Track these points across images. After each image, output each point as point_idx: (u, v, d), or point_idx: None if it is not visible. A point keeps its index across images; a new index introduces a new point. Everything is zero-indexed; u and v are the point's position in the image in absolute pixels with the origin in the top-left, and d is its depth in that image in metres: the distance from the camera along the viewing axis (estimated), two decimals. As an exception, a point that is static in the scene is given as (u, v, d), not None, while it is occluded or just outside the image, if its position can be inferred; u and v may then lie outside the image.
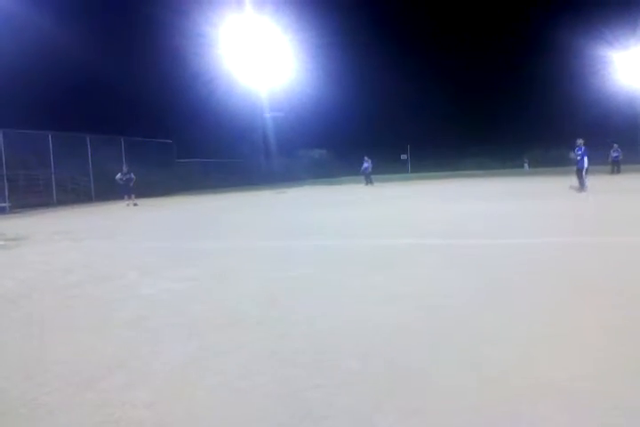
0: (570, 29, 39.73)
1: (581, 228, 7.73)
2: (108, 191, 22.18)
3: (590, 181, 14.74)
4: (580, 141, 14.57)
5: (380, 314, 3.63)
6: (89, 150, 23.73)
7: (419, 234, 7.76)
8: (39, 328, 3.74)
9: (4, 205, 18.62)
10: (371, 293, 4.25)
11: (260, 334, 3.32)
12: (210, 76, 35.52)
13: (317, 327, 3.41)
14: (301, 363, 2.80)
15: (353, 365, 2.74)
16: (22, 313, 4.22)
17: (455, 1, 55.48)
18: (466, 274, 4.78)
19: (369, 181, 26.52)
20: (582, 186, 14.36)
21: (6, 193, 19.26)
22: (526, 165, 46.43)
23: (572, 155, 15.02)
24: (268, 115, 40.73)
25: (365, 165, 27.17)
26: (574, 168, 14.89)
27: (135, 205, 18.61)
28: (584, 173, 14.37)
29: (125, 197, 19.32)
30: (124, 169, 19.74)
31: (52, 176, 21.92)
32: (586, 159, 14.31)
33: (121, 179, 19.46)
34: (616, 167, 25.23)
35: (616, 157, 25.46)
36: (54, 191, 21.95)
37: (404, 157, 56.59)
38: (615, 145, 25.73)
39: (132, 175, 19.57)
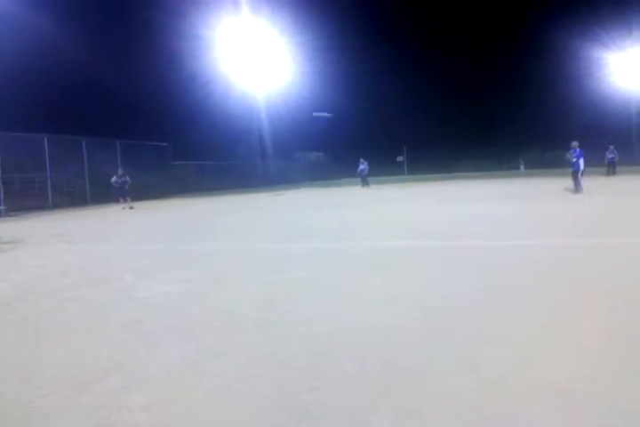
0: (566, 31, 40.00)
1: (578, 229, 7.75)
2: (103, 194, 22.11)
3: (586, 182, 14.80)
4: (574, 144, 14.64)
5: (378, 316, 3.63)
6: (84, 153, 23.65)
7: (415, 236, 7.76)
8: (35, 331, 3.71)
9: (-1, 208, 18.54)
10: (368, 295, 4.25)
11: (258, 337, 3.31)
12: (206, 78, 35.55)
13: (315, 330, 3.41)
14: (299, 365, 2.80)
15: (350, 367, 2.73)
16: (18, 316, 4.20)
17: (452, 4, 55.75)
18: (463, 276, 4.78)
19: (365, 183, 26.55)
20: (577, 187, 14.42)
21: (1, 196, 19.17)
22: (522, 166, 46.59)
23: (567, 156, 15.09)
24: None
25: (361, 167, 27.20)
26: (570, 170, 14.95)
27: (131, 207, 18.55)
28: (580, 174, 14.43)
29: (121, 199, 19.27)
30: (120, 172, 19.70)
31: (48, 179, 21.83)
32: (581, 161, 14.38)
33: (116, 182, 19.41)
34: (612, 169, 25.28)
35: (612, 158, 25.48)
36: (50, 194, 21.86)
37: (400, 158, 56.66)
38: (611, 146, 25.76)
39: (128, 178, 19.52)
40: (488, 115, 51.84)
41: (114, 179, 19.45)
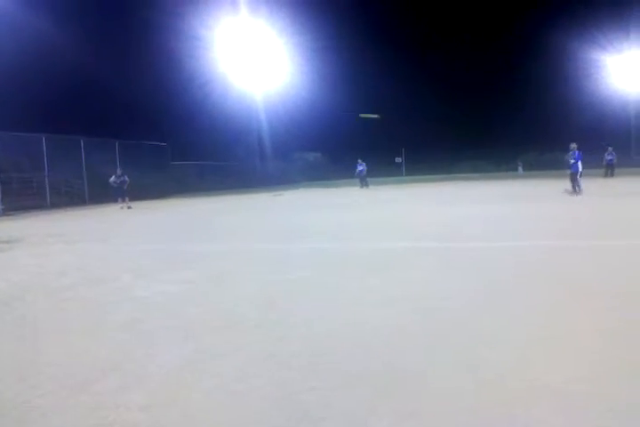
0: (564, 33, 40.01)
1: (576, 231, 7.76)
2: (101, 194, 22.09)
3: (584, 184, 14.82)
4: (573, 146, 14.66)
5: (377, 316, 3.63)
6: (83, 153, 23.64)
7: (414, 237, 7.77)
8: (32, 331, 3.71)
9: (-3, 207, 18.51)
10: (367, 295, 4.25)
11: (258, 337, 3.31)
12: (205, 78, 35.54)
13: (315, 330, 3.41)
14: (299, 365, 2.80)
15: (350, 367, 2.73)
16: (15, 315, 4.19)
17: (450, 5, 55.79)
18: (462, 277, 4.78)
19: (364, 184, 26.54)
20: (576, 189, 14.44)
21: (-1, 196, 19.17)
22: (520, 168, 46.61)
23: (566, 157, 15.11)
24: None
25: (360, 168, 27.19)
26: (568, 172, 14.98)
27: (129, 207, 18.53)
28: (578, 176, 14.46)
29: (119, 199, 19.26)
30: (118, 172, 19.69)
31: (46, 179, 21.82)
32: (580, 163, 14.41)
33: (115, 182, 19.40)
34: (610, 170, 25.30)
35: (610, 160, 25.50)
36: (48, 194, 21.84)
37: (398, 160, 56.62)
38: (610, 148, 25.77)
39: (126, 178, 19.51)
40: (487, 116, 51.81)
41: (112, 179, 19.44)
